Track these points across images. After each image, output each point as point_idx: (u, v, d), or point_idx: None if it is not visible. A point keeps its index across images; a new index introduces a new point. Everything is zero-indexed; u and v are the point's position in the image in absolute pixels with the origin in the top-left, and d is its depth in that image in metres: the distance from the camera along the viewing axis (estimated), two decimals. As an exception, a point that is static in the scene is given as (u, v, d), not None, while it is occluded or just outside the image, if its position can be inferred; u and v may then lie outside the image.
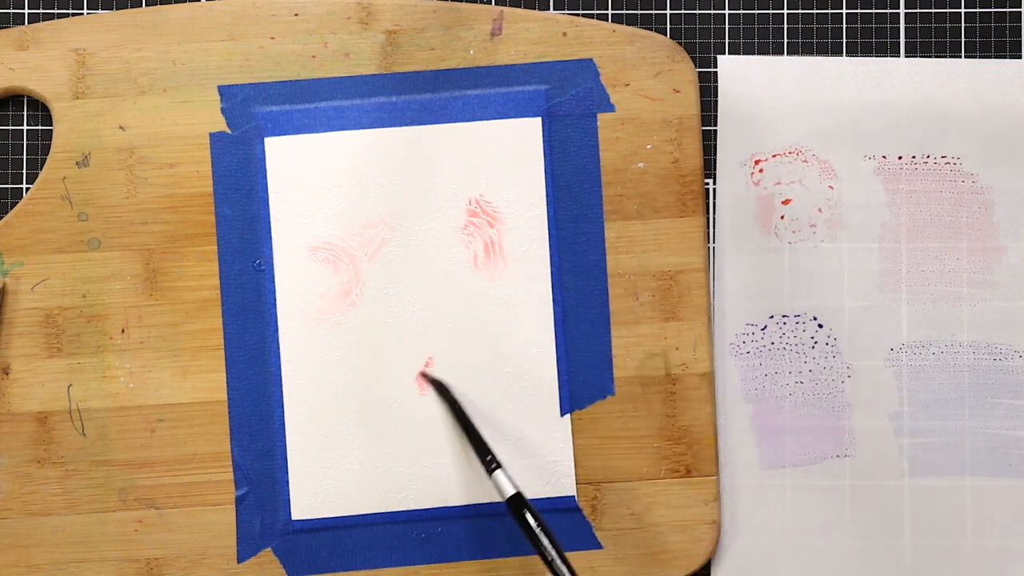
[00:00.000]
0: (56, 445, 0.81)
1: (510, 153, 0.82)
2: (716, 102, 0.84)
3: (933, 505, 0.83)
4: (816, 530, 0.83)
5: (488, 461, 0.77)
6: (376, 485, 0.82)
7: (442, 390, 0.81)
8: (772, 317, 0.84)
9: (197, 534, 0.81)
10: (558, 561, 0.73)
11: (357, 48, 0.82)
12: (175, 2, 0.84)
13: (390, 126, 0.82)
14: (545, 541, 0.73)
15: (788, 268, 0.84)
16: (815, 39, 0.85)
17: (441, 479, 0.82)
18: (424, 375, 0.81)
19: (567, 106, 0.82)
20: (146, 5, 0.84)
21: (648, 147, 0.83)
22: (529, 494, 0.82)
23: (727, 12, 0.85)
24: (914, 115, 0.84)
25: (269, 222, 0.82)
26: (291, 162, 0.82)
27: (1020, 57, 0.85)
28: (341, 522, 0.82)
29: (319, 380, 0.82)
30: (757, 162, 0.84)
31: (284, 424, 0.82)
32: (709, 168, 0.84)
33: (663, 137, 0.83)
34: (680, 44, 0.84)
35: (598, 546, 0.82)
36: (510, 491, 0.75)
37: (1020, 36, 0.85)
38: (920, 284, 0.84)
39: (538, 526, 0.74)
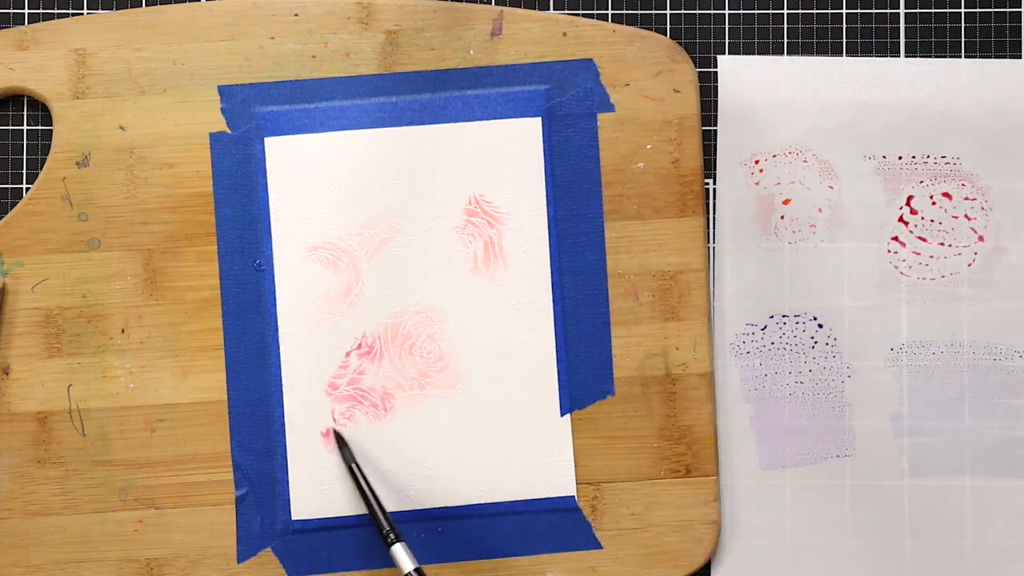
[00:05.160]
0: (56, 445, 0.81)
1: (510, 153, 0.82)
2: (716, 102, 0.84)
3: (933, 505, 0.83)
4: (816, 530, 0.83)
5: (385, 534, 0.76)
6: (376, 485, 0.82)
7: (343, 448, 0.80)
8: (772, 317, 0.84)
9: (197, 534, 0.82)
10: None
11: (357, 48, 0.82)
12: (175, 2, 0.84)
13: (390, 126, 0.82)
14: None
15: (788, 268, 0.84)
16: (815, 39, 0.85)
17: (441, 479, 0.82)
18: (333, 432, 0.81)
19: (567, 106, 0.82)
20: (146, 5, 0.85)
21: (648, 147, 0.83)
22: (530, 494, 0.82)
23: (727, 12, 0.85)
24: (914, 115, 0.84)
25: (269, 222, 0.82)
26: (291, 162, 0.82)
27: (1020, 57, 0.85)
28: (341, 522, 0.82)
29: (319, 380, 0.82)
30: (757, 162, 0.84)
31: (284, 424, 0.82)
32: (709, 168, 0.84)
33: (663, 137, 0.83)
34: (680, 44, 0.84)
35: (598, 546, 0.82)
36: (408, 568, 0.75)
37: (1020, 36, 0.85)
38: (920, 284, 0.84)
39: None
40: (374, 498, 0.78)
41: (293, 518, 0.82)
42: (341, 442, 0.81)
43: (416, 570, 0.75)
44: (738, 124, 0.84)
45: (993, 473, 0.83)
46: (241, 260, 0.82)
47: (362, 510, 0.81)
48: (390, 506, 0.81)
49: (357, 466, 0.79)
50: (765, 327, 0.84)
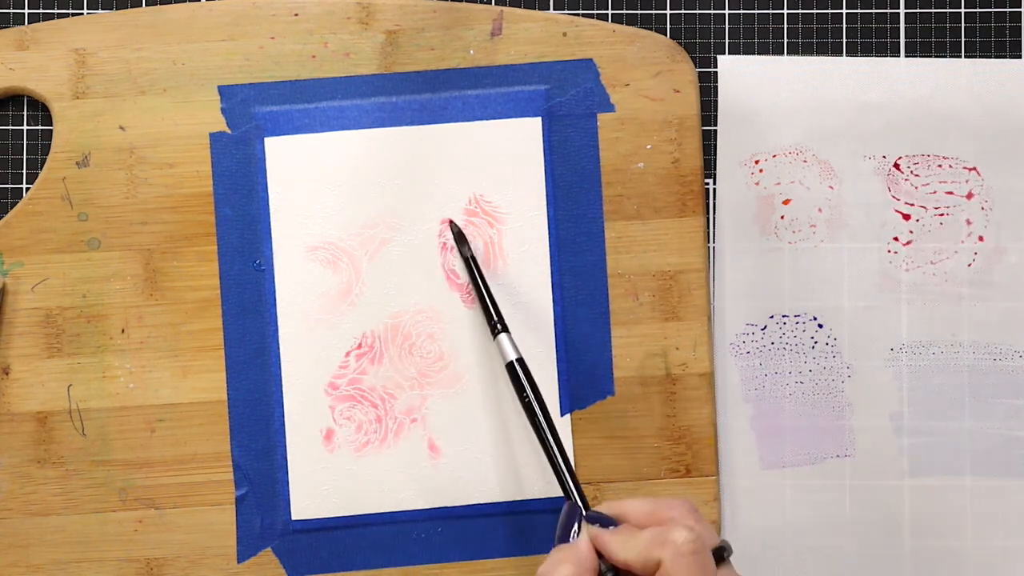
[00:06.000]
0: (56, 445, 0.81)
1: (510, 153, 0.82)
2: (716, 102, 0.84)
3: (933, 505, 0.83)
4: (816, 530, 0.83)
5: (493, 324, 0.77)
6: (376, 485, 0.82)
7: (461, 241, 0.81)
8: (772, 317, 0.84)
9: (197, 534, 0.81)
10: (545, 428, 0.73)
11: (357, 48, 0.82)
12: (175, 2, 0.84)
13: (390, 126, 0.82)
14: (536, 408, 0.74)
15: (788, 268, 0.84)
16: (815, 39, 0.85)
17: (441, 479, 0.82)
18: (450, 221, 0.82)
19: (567, 106, 0.82)
20: (146, 5, 0.85)
21: (648, 147, 0.83)
22: (529, 494, 0.82)
23: (727, 12, 0.85)
24: (914, 115, 0.84)
25: (269, 222, 0.82)
26: (291, 162, 0.82)
27: (1020, 57, 0.85)
28: (341, 522, 0.82)
29: (319, 380, 0.82)
30: (757, 162, 0.84)
31: (284, 424, 0.82)
32: (709, 168, 0.84)
33: (663, 137, 0.83)
34: (680, 44, 0.84)
35: (598, 546, 0.82)
36: (511, 356, 0.76)
37: (1020, 36, 0.85)
38: (920, 284, 0.84)
39: (532, 390, 0.74)
40: (486, 289, 0.79)
41: (293, 518, 0.82)
42: (459, 237, 0.81)
43: (518, 360, 0.76)
44: (738, 124, 0.84)
45: (993, 473, 0.83)
46: (241, 260, 0.82)
47: (362, 510, 0.81)
48: (390, 506, 0.82)
49: (474, 259, 0.80)
50: (765, 327, 0.84)
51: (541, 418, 0.73)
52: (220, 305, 0.82)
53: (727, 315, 0.84)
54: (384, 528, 0.82)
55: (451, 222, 0.81)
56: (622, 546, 0.65)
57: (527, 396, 0.74)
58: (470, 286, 0.81)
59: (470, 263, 0.80)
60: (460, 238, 0.81)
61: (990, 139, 0.84)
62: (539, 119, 0.82)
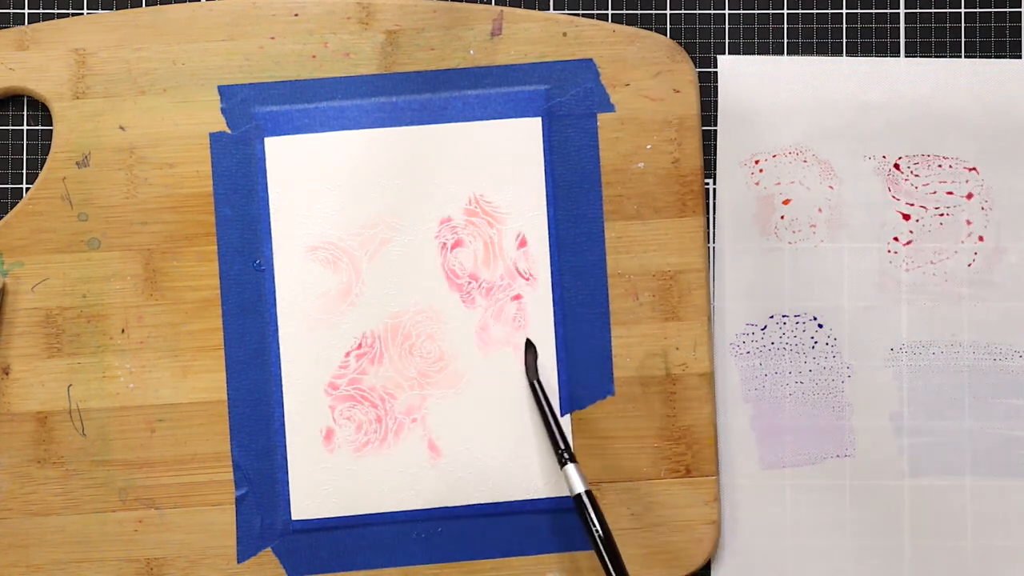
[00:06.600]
0: (56, 445, 0.81)
1: (510, 153, 0.82)
2: (716, 102, 0.84)
3: (933, 505, 0.83)
4: (816, 530, 0.83)
5: (560, 454, 0.78)
6: (376, 485, 0.82)
7: (532, 365, 0.81)
8: (772, 317, 0.84)
9: (197, 534, 0.82)
10: (610, 567, 0.75)
11: (357, 48, 0.82)
12: (175, 2, 0.84)
13: (390, 126, 0.82)
14: (602, 547, 0.75)
15: (788, 268, 0.84)
16: (815, 39, 0.85)
17: (441, 479, 0.82)
18: (528, 343, 0.81)
19: (567, 106, 0.82)
20: (146, 5, 0.85)
21: (648, 147, 0.83)
22: (529, 494, 0.82)
23: (727, 12, 0.85)
24: (914, 115, 0.84)
25: (269, 222, 0.82)
26: (291, 162, 0.82)
27: (1020, 57, 0.85)
28: (341, 522, 0.82)
29: (319, 380, 0.82)
30: (757, 162, 0.84)
31: (284, 424, 0.82)
32: (709, 168, 0.84)
33: (663, 137, 0.83)
34: (680, 44, 0.84)
35: (598, 546, 0.82)
36: (579, 488, 0.76)
37: (1020, 36, 0.85)
38: (920, 284, 0.84)
39: (601, 528, 0.76)
40: (552, 417, 0.79)
41: (293, 518, 0.82)
42: (532, 360, 0.81)
43: (587, 492, 0.76)
44: (738, 124, 0.84)
45: (993, 473, 0.83)
46: (241, 260, 0.82)
47: (362, 510, 0.81)
48: (390, 506, 0.82)
49: (541, 386, 0.80)
50: (765, 327, 0.84)
51: (606, 554, 0.75)
52: (220, 305, 0.82)
53: (727, 315, 0.84)
54: (384, 528, 0.82)
55: (528, 341, 0.81)
56: None
57: (597, 530, 0.75)
58: (535, 410, 0.81)
59: (536, 389, 0.80)
60: (532, 361, 0.81)
61: (990, 139, 0.84)
62: (539, 119, 0.82)
